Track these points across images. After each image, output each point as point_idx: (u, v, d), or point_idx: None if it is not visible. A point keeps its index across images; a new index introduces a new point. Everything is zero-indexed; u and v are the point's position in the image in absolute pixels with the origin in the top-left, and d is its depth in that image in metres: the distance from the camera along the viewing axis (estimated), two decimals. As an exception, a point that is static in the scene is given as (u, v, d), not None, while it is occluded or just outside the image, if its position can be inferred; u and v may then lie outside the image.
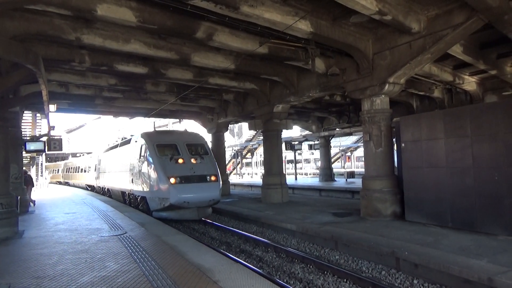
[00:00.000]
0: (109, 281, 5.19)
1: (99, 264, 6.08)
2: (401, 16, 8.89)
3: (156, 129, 16.86)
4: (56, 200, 19.16)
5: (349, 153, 47.26)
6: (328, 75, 12.19)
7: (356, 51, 10.74)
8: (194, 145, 13.84)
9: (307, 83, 13.92)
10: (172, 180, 11.84)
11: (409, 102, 18.49)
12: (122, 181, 16.21)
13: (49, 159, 52.91)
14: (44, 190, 29.20)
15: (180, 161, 12.61)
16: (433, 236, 8.33)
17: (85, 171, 28.36)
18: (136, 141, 14.63)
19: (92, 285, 5.05)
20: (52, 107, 14.77)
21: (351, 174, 27.84)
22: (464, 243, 7.66)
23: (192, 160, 12.82)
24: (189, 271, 5.58)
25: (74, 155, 48.43)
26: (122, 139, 18.75)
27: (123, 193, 16.74)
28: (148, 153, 12.92)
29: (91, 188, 26.19)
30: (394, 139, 11.79)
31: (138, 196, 14.11)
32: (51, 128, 16.75)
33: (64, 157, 51.18)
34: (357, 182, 22.05)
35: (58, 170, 45.05)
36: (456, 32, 8.84)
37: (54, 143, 16.14)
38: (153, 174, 12.41)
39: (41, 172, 35.98)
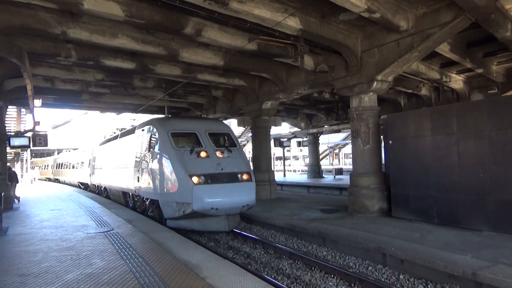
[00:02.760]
0: (95, 278, 5.13)
1: (85, 261, 6.00)
2: (390, 14, 8.94)
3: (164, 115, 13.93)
4: (41, 197, 18.88)
5: (337, 150, 47.56)
6: (317, 72, 12.23)
7: (345, 49, 10.78)
8: (218, 135, 11.19)
9: (296, 80, 13.93)
10: (195, 180, 9.19)
11: (397, 99, 18.67)
12: (123, 179, 13.37)
13: (34, 155, 52.07)
14: (30, 187, 28.77)
15: (203, 154, 9.96)
16: (419, 232, 8.43)
17: (77, 167, 25.74)
18: (143, 130, 11.93)
19: (77, 282, 4.98)
20: (37, 102, 14.53)
21: (339, 171, 28.02)
22: (449, 238, 7.78)
23: (218, 154, 10.21)
24: (177, 267, 5.55)
25: (60, 151, 47.72)
26: (121, 130, 16.09)
27: (124, 193, 13.98)
28: (160, 144, 10.31)
29: (84, 186, 23.94)
30: (382, 136, 11.90)
31: (147, 199, 11.33)
32: (36, 123, 16.50)
33: (49, 153, 50.36)
34: (345, 179, 22.22)
35: (48, 166, 42.67)
36: (443, 30, 8.93)
37: (39, 139, 15.89)
38: (169, 172, 9.75)
39: (26, 169, 35.41)
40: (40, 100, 14.78)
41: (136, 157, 11.99)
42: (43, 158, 49.63)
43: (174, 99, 18.43)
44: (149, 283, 4.87)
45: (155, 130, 10.86)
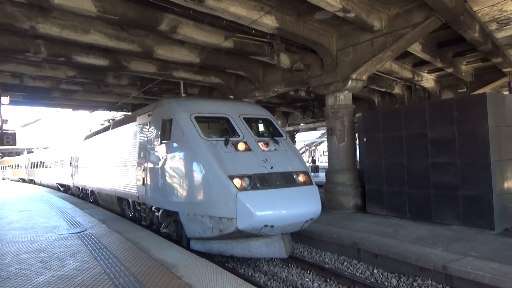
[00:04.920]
0: (67, 280, 4.99)
1: (57, 263, 5.83)
2: (364, 14, 9.10)
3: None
4: (10, 198, 18.21)
5: (313, 147, 48.09)
6: (293, 70, 12.32)
7: (320, 47, 10.89)
8: (256, 120, 8.66)
9: (272, 78, 13.98)
10: (237, 183, 6.43)
11: (371, 98, 19.04)
12: (119, 181, 10.59)
13: (2, 154, 50.21)
14: (-3, 187, 27.72)
15: (242, 147, 7.21)
16: (392, 227, 8.64)
17: (56, 166, 22.24)
18: (149, 115, 9.08)
19: (49, 285, 4.84)
20: (5, 100, 13.95)
21: (315, 168, 28.33)
22: (421, 233, 8.01)
23: (261, 145, 7.47)
24: (153, 267, 5.48)
25: (29, 150, 46.15)
26: (110, 121, 13.70)
27: (120, 199, 11.13)
28: (181, 132, 7.48)
29: (64, 189, 20.71)
30: (356, 134, 12.11)
31: (157, 209, 8.41)
32: (4, 121, 15.87)
33: (18, 153, 48.63)
34: (321, 176, 22.48)
35: (21, 165, 38.26)
36: (415, 30, 9.17)
37: (7, 138, 15.27)
38: (196, 171, 6.99)
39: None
40: (8, 97, 14.19)
41: (140, 152, 9.22)
42: (15, 157, 46.15)
43: (149, 96, 18.14)
44: (124, 284, 4.78)
45: (171, 113, 7.99)
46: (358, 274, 6.93)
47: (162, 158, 7.99)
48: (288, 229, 6.84)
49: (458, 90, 16.15)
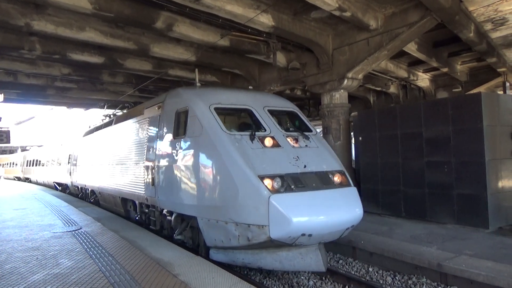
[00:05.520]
0: (62, 278, 4.97)
1: (52, 261, 5.80)
2: (360, 13, 9.12)
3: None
4: (4, 196, 18.09)
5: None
6: (289, 69, 12.33)
7: (317, 46, 10.90)
8: (281, 114, 7.74)
9: (268, 76, 13.99)
10: (268, 184, 5.61)
11: (367, 97, 19.09)
12: (124, 181, 9.78)
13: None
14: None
15: (269, 142, 6.37)
16: (387, 226, 8.68)
17: (53, 164, 21.36)
18: (159, 107, 8.22)
19: (44, 283, 4.81)
20: (-1, 97, 13.89)
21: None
22: (416, 231, 8.05)
23: (290, 141, 6.62)
24: (148, 265, 5.46)
25: (23, 148, 45.81)
26: (110, 117, 13.10)
27: (125, 200, 10.32)
28: (199, 125, 6.62)
29: (62, 188, 19.78)
30: (352, 133, 12.15)
31: (169, 212, 7.55)
32: (-2, 119, 15.77)
33: (12, 150, 48.26)
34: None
35: (16, 163, 37.42)
36: (411, 30, 9.20)
37: (1, 135, 15.21)
38: (220, 170, 6.15)
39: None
40: (2, 95, 14.16)
41: (149, 149, 8.37)
42: (11, 155, 45.59)
43: (145, 94, 18.08)
44: (119, 282, 4.76)
45: (186, 104, 7.15)
46: (353, 272, 6.96)
47: (176, 155, 7.15)
48: (327, 238, 5.97)
49: (453, 90, 16.23)
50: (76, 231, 8.17)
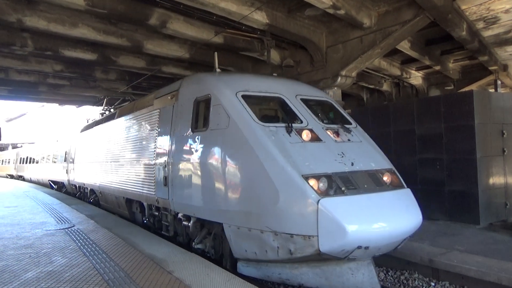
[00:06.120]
0: (56, 275, 4.95)
1: (45, 259, 5.77)
2: (354, 11, 9.14)
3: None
4: (-5, 193, 17.92)
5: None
6: (283, 66, 12.33)
7: (310, 44, 10.92)
8: (315, 103, 6.78)
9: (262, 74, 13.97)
10: (313, 184, 4.77)
11: (360, 95, 19.19)
12: (131, 180, 8.92)
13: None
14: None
15: (307, 136, 5.53)
16: (380, 223, 8.74)
17: (48, 161, 20.44)
18: (171, 97, 7.30)
19: (37, 280, 4.79)
20: (-10, 94, 13.75)
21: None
22: (408, 228, 8.12)
23: (330, 135, 5.78)
24: (142, 262, 5.46)
25: (14, 145, 45.35)
26: (110, 110, 12.37)
27: (130, 201, 9.47)
28: (224, 116, 5.72)
29: (58, 186, 19.06)
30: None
31: (186, 217, 6.72)
32: (-11, 116, 15.59)
33: (3, 148, 47.74)
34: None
35: (9, 160, 36.24)
36: (404, 28, 9.25)
37: (-8, 133, 15.05)
38: (252, 169, 5.28)
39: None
40: (-7, 91, 14.00)
41: (160, 144, 7.43)
42: (3, 152, 44.61)
43: (138, 91, 17.99)
44: (114, 279, 4.76)
45: (208, 91, 6.21)
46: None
47: (195, 151, 6.21)
48: (383, 250, 5.15)
49: (446, 88, 16.39)
50: (69, 229, 8.14)
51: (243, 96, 5.79)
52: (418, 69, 16.00)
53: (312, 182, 4.74)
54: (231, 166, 5.57)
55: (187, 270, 5.08)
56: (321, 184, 4.76)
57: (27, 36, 10.31)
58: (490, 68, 14.22)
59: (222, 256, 6.11)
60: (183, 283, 4.59)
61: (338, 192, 4.80)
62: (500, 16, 9.90)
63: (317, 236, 4.52)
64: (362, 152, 5.78)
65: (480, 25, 10.47)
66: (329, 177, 4.89)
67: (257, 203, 5.12)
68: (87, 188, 13.34)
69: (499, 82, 15.05)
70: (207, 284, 4.58)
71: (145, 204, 8.37)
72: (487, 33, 11.20)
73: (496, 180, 8.66)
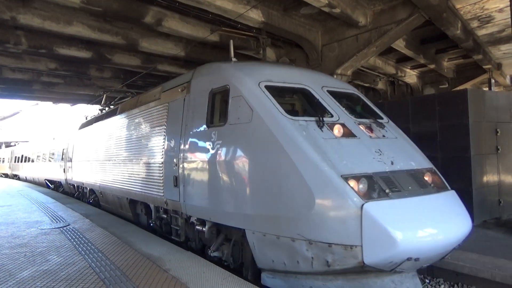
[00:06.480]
0: (52, 274, 4.93)
1: (40, 258, 5.75)
2: (349, 9, 9.18)
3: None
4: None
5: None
6: (278, 65, 12.34)
7: (306, 42, 10.94)
8: (342, 96, 6.02)
9: (258, 72, 13.96)
10: (353, 185, 4.19)
11: (355, 93, 19.22)
12: (135, 179, 8.29)
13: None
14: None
15: (339, 131, 4.94)
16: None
17: (45, 160, 19.72)
18: (183, 89, 6.71)
19: (33, 279, 4.77)
20: (-16, 92, 13.64)
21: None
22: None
23: (362, 128, 5.20)
24: (139, 261, 5.45)
25: (8, 144, 44.94)
26: (108, 107, 11.98)
27: (134, 202, 8.88)
28: (246, 108, 5.14)
29: (54, 186, 18.48)
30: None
31: (200, 221, 6.07)
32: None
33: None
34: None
35: (3, 159, 35.65)
36: (399, 27, 9.30)
37: (-14, 131, 14.91)
38: (281, 168, 4.63)
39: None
40: (-13, 89, 13.89)
41: (170, 141, 6.83)
42: None
43: (133, 90, 17.93)
44: (110, 277, 4.75)
45: (226, 82, 5.62)
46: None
47: (212, 148, 5.58)
48: (432, 261, 4.66)
49: (440, 86, 16.50)
50: (64, 228, 8.11)
51: (267, 87, 5.20)
52: (413, 68, 16.09)
53: (352, 183, 4.17)
54: (255, 165, 4.94)
55: (183, 269, 5.08)
56: (361, 186, 4.19)
57: (21, 34, 10.24)
58: (484, 66, 14.34)
59: (242, 265, 5.53)
60: (180, 281, 4.60)
61: (382, 195, 4.20)
62: (494, 15, 9.98)
63: (361, 246, 3.96)
64: (399, 149, 5.18)
65: (475, 24, 10.56)
66: (370, 178, 4.30)
67: (287, 207, 4.49)
68: (86, 188, 12.73)
69: (493, 80, 15.15)
70: (204, 282, 4.59)
71: (151, 206, 7.76)
72: (481, 32, 11.30)
73: (490, 178, 8.73)
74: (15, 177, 30.24)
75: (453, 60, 14.98)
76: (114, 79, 15.96)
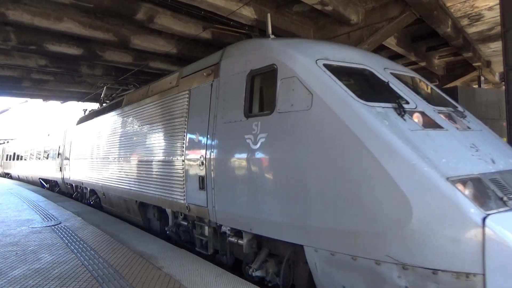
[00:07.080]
0: (44, 273, 4.90)
1: (32, 257, 5.71)
2: (341, 7, 9.21)
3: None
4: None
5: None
6: (271, 62, 12.34)
7: (298, 40, 10.97)
8: (406, 80, 4.96)
9: (250, 70, 13.94)
10: (462, 189, 3.10)
11: (347, 91, 19.32)
12: (147, 180, 7.19)
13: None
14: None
15: (418, 120, 3.80)
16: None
17: (38, 158, 18.52)
18: (209, 73, 5.68)
19: (24, 278, 4.74)
20: (-28, 89, 13.44)
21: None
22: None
23: (444, 118, 4.08)
24: (132, 258, 5.44)
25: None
26: (109, 100, 11.36)
27: (144, 206, 7.94)
28: (302, 91, 4.05)
29: (50, 185, 17.47)
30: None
31: (236, 232, 5.02)
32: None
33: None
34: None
35: None
36: (391, 25, 9.37)
37: (-25, 129, 14.71)
38: (360, 168, 3.49)
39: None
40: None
41: (193, 135, 5.77)
42: None
43: (124, 87, 17.81)
44: (103, 275, 4.74)
45: (271, 60, 4.57)
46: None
47: (254, 143, 4.51)
48: None
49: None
50: (56, 226, 8.05)
51: (326, 66, 4.18)
52: (404, 65, 16.19)
53: (460, 188, 3.16)
54: (319, 164, 3.85)
55: (177, 267, 5.08)
56: (467, 192, 3.15)
57: (10, 30, 10.12)
58: (474, 64, 14.50)
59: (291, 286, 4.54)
60: (173, 278, 4.60)
61: (499, 204, 3.16)
62: (484, 13, 10.10)
63: (483, 274, 2.92)
64: (491, 144, 4.13)
65: (465, 22, 10.67)
66: (478, 181, 3.28)
67: (370, 220, 3.42)
68: (86, 188, 11.71)
69: (482, 78, 15.35)
70: (197, 279, 4.59)
71: (168, 211, 6.67)
72: (471, 30, 11.42)
73: (480, 174, 8.85)
74: (7, 175, 29.38)
75: (443, 57, 15.12)
76: (105, 76, 15.81)
